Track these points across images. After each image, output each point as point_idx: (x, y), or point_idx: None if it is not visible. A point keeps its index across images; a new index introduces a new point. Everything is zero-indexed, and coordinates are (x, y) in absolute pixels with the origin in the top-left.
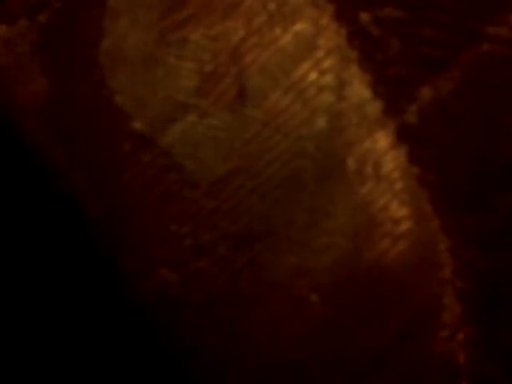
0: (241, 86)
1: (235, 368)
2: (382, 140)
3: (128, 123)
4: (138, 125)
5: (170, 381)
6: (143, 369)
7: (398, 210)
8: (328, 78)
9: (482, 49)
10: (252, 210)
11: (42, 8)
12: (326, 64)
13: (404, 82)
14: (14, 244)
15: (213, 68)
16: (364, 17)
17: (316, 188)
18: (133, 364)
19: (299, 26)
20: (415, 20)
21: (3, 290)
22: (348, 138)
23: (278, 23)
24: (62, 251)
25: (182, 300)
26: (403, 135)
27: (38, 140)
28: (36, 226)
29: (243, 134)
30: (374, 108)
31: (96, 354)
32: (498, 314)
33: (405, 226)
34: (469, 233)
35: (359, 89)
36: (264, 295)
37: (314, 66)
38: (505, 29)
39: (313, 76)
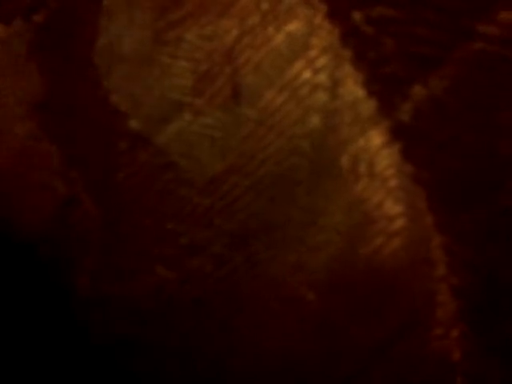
0: (235, 85)
1: (231, 365)
2: (376, 138)
3: (124, 122)
4: (133, 124)
5: (165, 378)
6: (139, 366)
7: (392, 208)
8: (322, 77)
9: (474, 47)
10: (247, 208)
11: (39, 8)
12: (320, 63)
13: (397, 81)
14: (8, 244)
15: (207, 67)
16: (357, 16)
17: (311, 186)
18: (129, 361)
19: (292, 26)
20: (408, 19)
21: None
22: (342, 137)
23: (272, 23)
24: (57, 249)
25: (179, 297)
26: (397, 133)
27: (34, 140)
28: (32, 225)
29: (238, 132)
30: (368, 106)
31: (92, 352)
32: (493, 311)
33: (399, 223)
34: (463, 230)
35: (353, 87)
36: (260, 293)
37: (307, 65)
38: (496, 27)
39: (306, 75)
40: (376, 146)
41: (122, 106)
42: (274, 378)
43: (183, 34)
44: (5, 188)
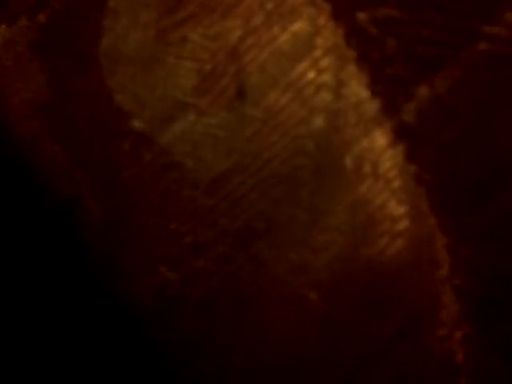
0: (239, 85)
1: (234, 362)
2: (380, 139)
3: (128, 122)
4: (137, 124)
5: (167, 378)
6: (142, 366)
7: (396, 209)
8: (326, 77)
9: (479, 48)
10: (251, 208)
11: (42, 8)
12: (324, 63)
13: (401, 81)
14: (12, 244)
15: (212, 67)
16: (362, 16)
17: (315, 186)
18: (131, 362)
19: (297, 26)
20: (412, 20)
21: (1, 290)
22: (346, 137)
23: (276, 23)
24: (61, 250)
25: (182, 298)
26: (401, 134)
27: (37, 140)
28: (35, 225)
29: (242, 132)
30: (372, 107)
31: (95, 353)
32: (496, 311)
33: (402, 224)
34: (466, 230)
35: (357, 88)
36: (263, 292)
37: (311, 66)
38: (501, 28)
39: (311, 75)
40: (380, 147)
41: (126, 105)
42: (275, 377)
43: (187, 34)
44: None
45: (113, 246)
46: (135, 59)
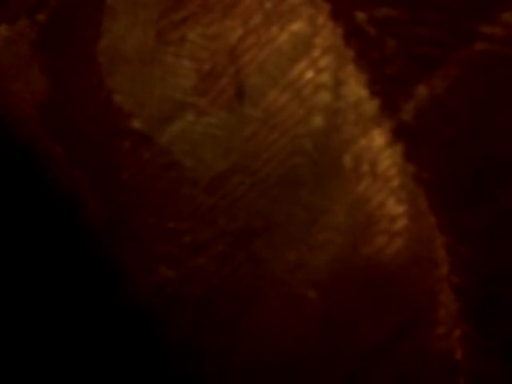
0: (238, 85)
1: (233, 362)
2: (378, 138)
3: (127, 122)
4: (137, 123)
5: (167, 377)
6: (141, 365)
7: (395, 208)
8: (324, 77)
9: (477, 47)
10: (250, 207)
11: (42, 7)
12: (323, 63)
13: (400, 81)
14: (12, 244)
15: (211, 67)
16: (360, 16)
17: (314, 185)
18: (131, 361)
19: (296, 26)
20: (411, 19)
21: (1, 290)
22: (344, 136)
23: (275, 22)
24: (61, 249)
25: (181, 297)
26: (399, 133)
27: (37, 139)
28: (35, 224)
29: (241, 132)
30: (371, 106)
31: (94, 352)
32: (495, 310)
33: (401, 223)
34: (465, 230)
35: (355, 88)
36: (262, 291)
37: (310, 65)
38: (498, 28)
39: (309, 75)
40: (378, 146)
41: (125, 105)
42: (275, 376)
43: (187, 34)
44: None
45: (112, 246)
46: (134, 59)
